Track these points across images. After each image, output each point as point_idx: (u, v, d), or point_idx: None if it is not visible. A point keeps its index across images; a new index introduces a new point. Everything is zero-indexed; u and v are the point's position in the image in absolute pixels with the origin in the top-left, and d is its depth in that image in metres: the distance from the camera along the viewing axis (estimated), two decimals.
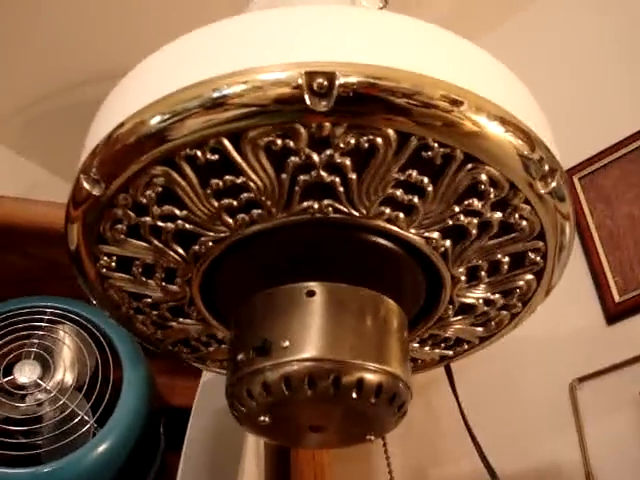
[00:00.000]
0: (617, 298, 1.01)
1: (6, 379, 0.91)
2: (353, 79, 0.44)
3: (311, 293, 0.51)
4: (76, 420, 0.91)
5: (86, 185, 0.50)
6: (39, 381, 0.92)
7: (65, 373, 0.94)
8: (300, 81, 0.43)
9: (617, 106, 1.13)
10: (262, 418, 0.51)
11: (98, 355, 0.94)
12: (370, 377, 0.49)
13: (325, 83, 0.43)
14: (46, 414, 0.91)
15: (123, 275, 0.57)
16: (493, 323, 0.63)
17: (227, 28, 0.50)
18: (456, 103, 0.46)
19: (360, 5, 0.70)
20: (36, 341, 0.94)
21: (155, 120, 0.47)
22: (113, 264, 0.56)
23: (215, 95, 0.45)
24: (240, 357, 0.51)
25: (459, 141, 0.47)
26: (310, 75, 0.43)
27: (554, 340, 1.04)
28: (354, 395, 0.49)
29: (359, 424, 0.54)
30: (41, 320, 0.95)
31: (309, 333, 0.50)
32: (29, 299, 0.98)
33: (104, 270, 0.57)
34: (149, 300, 0.59)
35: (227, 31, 0.50)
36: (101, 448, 0.91)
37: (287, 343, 0.49)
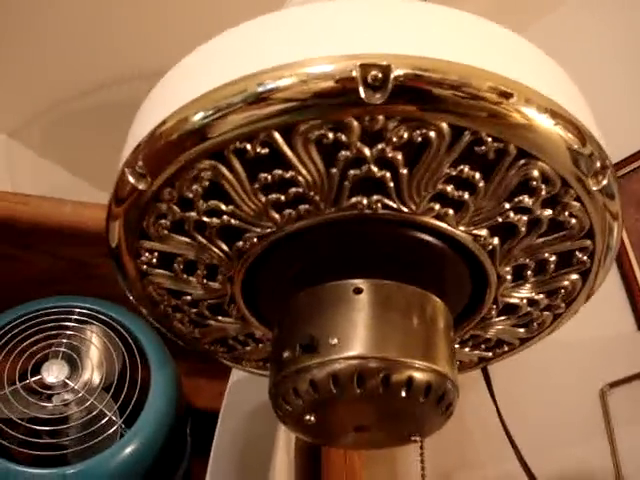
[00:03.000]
0: None
1: (34, 378, 0.91)
2: (405, 71, 0.43)
3: (358, 290, 0.51)
4: (103, 421, 0.90)
5: (131, 179, 0.50)
6: (67, 381, 0.91)
7: (93, 373, 0.94)
8: (354, 73, 0.43)
9: None
10: (308, 417, 0.50)
11: (126, 356, 0.94)
12: (419, 376, 0.48)
13: (380, 75, 0.43)
14: (73, 414, 0.91)
15: (164, 272, 0.56)
16: (535, 324, 0.62)
17: (275, 21, 0.49)
18: (505, 95, 0.45)
19: None
20: (64, 341, 0.93)
21: (198, 116, 0.46)
22: (154, 260, 0.55)
23: (260, 89, 0.44)
24: (286, 355, 0.50)
25: (510, 135, 0.46)
26: (365, 67, 0.43)
27: (585, 346, 1.03)
28: (403, 394, 0.48)
29: (405, 424, 0.53)
30: (69, 320, 0.95)
31: (357, 330, 0.49)
32: (57, 299, 0.97)
33: (145, 267, 0.56)
34: (189, 298, 0.58)
35: (275, 24, 0.49)
36: (128, 449, 0.90)
37: (335, 340, 0.48)
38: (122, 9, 1.30)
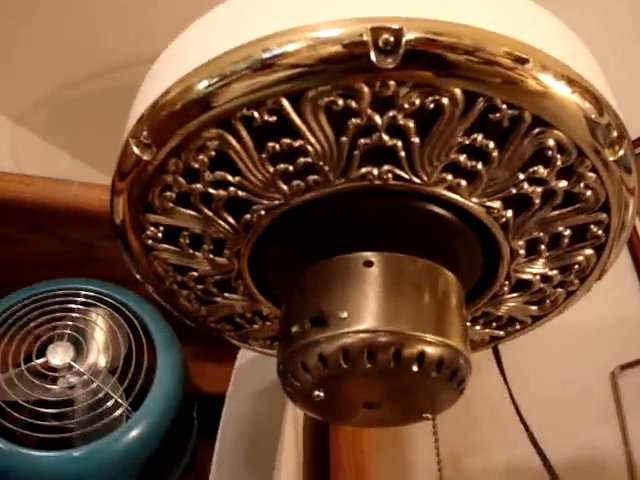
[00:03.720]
0: None
1: (39, 361, 0.90)
2: (420, 35, 0.42)
3: (369, 263, 0.49)
4: (109, 403, 0.89)
5: (136, 150, 0.48)
6: (72, 363, 0.91)
7: (98, 356, 0.93)
8: (365, 37, 0.41)
9: None
10: (317, 393, 0.49)
11: (132, 338, 0.93)
12: (432, 350, 0.47)
13: (392, 39, 0.41)
14: (78, 397, 0.90)
15: (170, 247, 0.55)
16: (548, 301, 0.61)
17: None
18: (520, 60, 0.43)
19: None
20: (70, 323, 0.93)
21: (202, 85, 0.45)
22: (160, 235, 0.54)
23: (272, 54, 0.43)
24: (295, 329, 0.49)
25: (525, 102, 0.44)
26: (376, 31, 0.41)
27: (595, 328, 1.02)
28: (415, 368, 0.47)
29: (416, 401, 0.52)
30: (75, 302, 0.94)
31: (367, 304, 0.48)
32: (62, 281, 0.96)
33: (150, 241, 0.55)
34: (195, 274, 0.57)
35: None
36: (134, 432, 0.89)
37: (345, 314, 0.47)
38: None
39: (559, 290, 0.60)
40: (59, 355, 0.91)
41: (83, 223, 0.94)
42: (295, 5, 0.46)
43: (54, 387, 0.90)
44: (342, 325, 0.47)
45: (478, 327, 0.64)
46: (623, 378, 0.98)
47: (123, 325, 0.94)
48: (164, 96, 0.47)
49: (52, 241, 1.00)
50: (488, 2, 0.47)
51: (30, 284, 0.96)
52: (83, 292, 0.95)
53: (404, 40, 0.41)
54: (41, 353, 0.91)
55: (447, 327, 0.49)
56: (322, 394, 0.49)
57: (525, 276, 0.57)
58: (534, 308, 0.61)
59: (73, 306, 0.93)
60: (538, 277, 0.57)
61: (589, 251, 0.56)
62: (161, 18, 1.28)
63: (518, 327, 0.65)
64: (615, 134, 0.48)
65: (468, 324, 0.63)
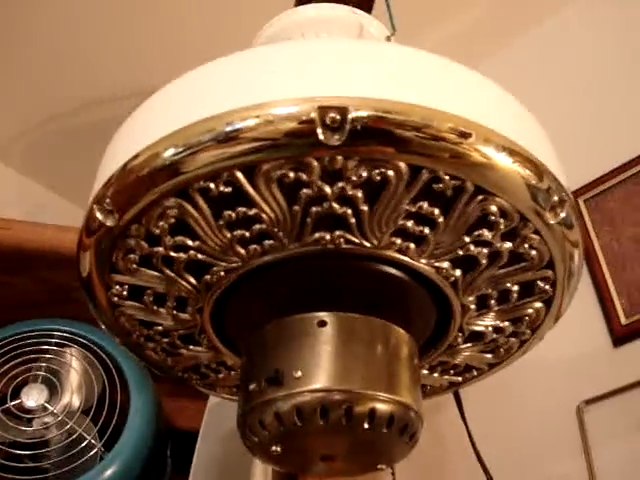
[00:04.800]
0: (623, 320, 1.01)
1: (13, 402, 0.91)
2: (364, 113, 0.44)
3: (322, 323, 0.52)
4: (83, 444, 0.91)
5: (99, 215, 0.51)
6: (46, 405, 0.92)
7: (72, 396, 0.94)
8: (313, 115, 0.44)
9: (621, 129, 1.14)
10: (274, 448, 0.51)
11: (105, 379, 0.95)
12: (382, 407, 0.49)
13: (338, 117, 0.44)
14: (53, 438, 0.91)
15: (134, 304, 0.57)
16: (502, 350, 0.63)
17: (240, 61, 0.50)
18: (464, 135, 0.46)
19: (368, 35, 0.71)
20: (44, 364, 0.94)
21: (169, 153, 0.47)
22: (125, 293, 0.56)
23: (228, 129, 0.45)
24: (252, 387, 0.51)
25: (469, 173, 0.47)
26: (323, 109, 0.44)
27: (561, 363, 1.05)
28: (366, 425, 0.49)
29: (370, 454, 0.54)
30: (49, 343, 0.96)
31: (321, 363, 0.50)
32: (37, 322, 0.98)
33: (115, 298, 0.57)
34: (160, 328, 0.59)
35: (240, 65, 0.50)
36: (108, 472, 0.91)
37: (299, 373, 0.49)
38: (103, 31, 1.31)
39: (512, 339, 0.62)
40: (33, 396, 0.93)
41: (58, 265, 0.96)
42: (252, 83, 0.48)
43: (29, 428, 0.92)
44: (296, 384, 0.49)
45: (436, 374, 0.66)
46: (588, 413, 1.00)
47: (97, 365, 0.95)
48: (132, 160, 0.49)
49: (28, 282, 1.01)
50: (432, 79, 0.49)
51: (4, 325, 0.97)
52: (57, 333, 0.96)
53: (350, 118, 0.44)
54: (15, 394, 0.92)
55: (398, 384, 0.51)
56: (279, 449, 0.51)
57: (477, 328, 0.59)
58: (489, 356, 0.64)
59: (47, 347, 0.95)
60: (490, 329, 0.60)
61: (538, 304, 0.58)
62: (137, 57, 1.30)
63: (475, 374, 0.67)
64: (556, 197, 0.50)
65: (426, 372, 0.65)
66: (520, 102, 0.55)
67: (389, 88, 0.46)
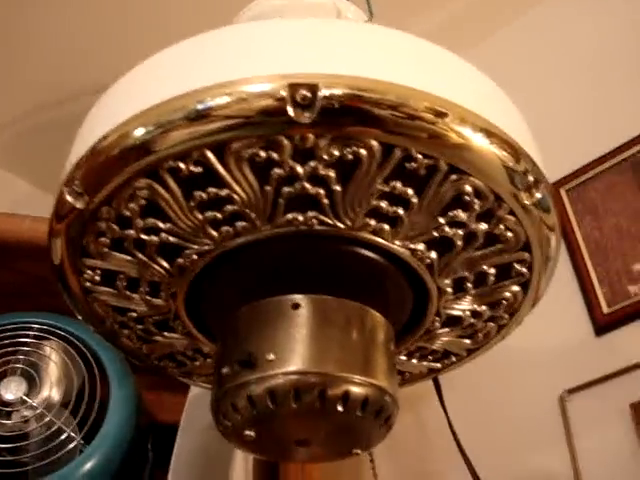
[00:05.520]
0: (605, 309, 1.01)
1: None
2: (338, 91, 0.44)
3: (296, 306, 0.51)
4: (62, 437, 0.90)
5: (69, 198, 0.50)
6: (25, 398, 0.91)
7: (51, 389, 0.93)
8: (283, 93, 0.43)
9: (602, 119, 1.14)
10: (247, 432, 0.50)
11: (85, 371, 0.94)
12: (356, 390, 0.49)
13: (308, 95, 0.43)
14: (32, 431, 0.91)
15: (107, 289, 0.56)
16: (480, 335, 0.63)
17: (212, 40, 0.50)
18: (440, 115, 0.46)
19: (346, 20, 0.70)
20: (22, 357, 0.93)
21: (139, 132, 0.46)
22: (97, 278, 0.55)
23: (199, 107, 0.45)
24: (225, 370, 0.50)
25: (443, 152, 0.47)
26: (293, 87, 0.43)
27: (543, 352, 1.04)
28: (340, 408, 0.48)
29: (345, 438, 0.53)
30: (27, 336, 0.95)
31: (294, 346, 0.49)
32: (15, 315, 0.97)
33: (88, 284, 0.56)
34: (134, 314, 0.58)
35: (212, 43, 0.50)
36: (88, 465, 0.90)
37: (272, 356, 0.48)
38: (86, 23, 1.30)
39: (490, 324, 0.61)
40: (12, 389, 0.92)
41: (36, 256, 0.95)
42: (223, 60, 0.48)
43: (8, 422, 0.91)
44: (269, 367, 0.48)
45: (414, 360, 0.66)
46: (571, 402, 1.00)
47: (76, 358, 0.94)
48: (102, 141, 0.48)
49: (5, 274, 1.00)
50: (408, 58, 0.49)
51: None
52: (35, 325, 0.95)
53: (320, 95, 0.43)
54: None
55: (373, 367, 0.51)
56: (253, 434, 0.50)
57: (455, 312, 0.59)
58: (467, 342, 0.63)
59: (25, 340, 0.94)
60: (468, 313, 0.59)
61: (515, 287, 0.58)
62: (121, 49, 1.29)
63: (454, 359, 0.66)
64: (531, 179, 0.50)
65: (404, 358, 0.65)
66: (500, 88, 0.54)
67: (363, 66, 0.46)
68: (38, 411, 0.91)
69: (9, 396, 0.91)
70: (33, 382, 0.93)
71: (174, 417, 0.97)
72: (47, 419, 0.91)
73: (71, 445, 0.90)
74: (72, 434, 0.90)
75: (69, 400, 0.92)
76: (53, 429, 0.90)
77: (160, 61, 0.51)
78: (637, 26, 1.18)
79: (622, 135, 1.09)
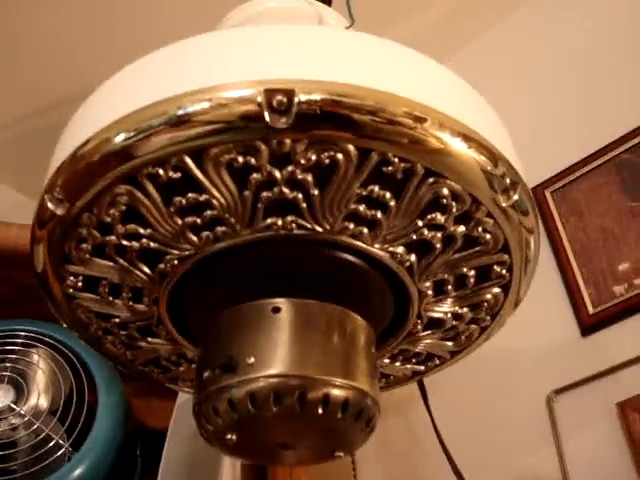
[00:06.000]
0: (591, 310, 1.02)
1: None
2: (316, 96, 0.44)
3: (276, 309, 0.51)
4: (51, 444, 0.90)
5: (50, 205, 0.50)
6: (13, 405, 0.91)
7: (39, 397, 0.93)
8: (259, 98, 0.44)
9: (586, 121, 1.15)
10: (229, 436, 0.51)
11: (73, 379, 0.94)
12: (336, 392, 0.49)
13: (284, 100, 0.44)
14: (20, 439, 0.91)
15: (90, 295, 0.57)
16: (463, 337, 0.63)
17: (192, 46, 0.50)
18: (419, 120, 0.46)
19: (327, 24, 0.71)
20: (9, 365, 0.93)
21: (120, 138, 0.47)
22: (79, 284, 0.56)
23: (180, 112, 0.45)
24: (206, 375, 0.50)
25: (423, 157, 0.47)
26: (269, 92, 0.44)
27: (529, 353, 1.05)
28: (320, 411, 0.48)
29: (327, 441, 0.53)
30: (15, 344, 0.95)
31: (274, 349, 0.50)
32: (3, 322, 0.97)
33: (70, 290, 0.56)
34: (117, 320, 0.59)
35: (192, 49, 0.50)
36: (76, 472, 0.90)
37: (252, 360, 0.49)
38: (72, 30, 1.30)
39: (472, 326, 0.62)
40: None
41: (23, 264, 0.95)
42: (203, 66, 0.48)
43: None
44: (249, 370, 0.49)
45: (398, 363, 0.66)
46: (558, 402, 1.01)
47: (64, 365, 0.95)
48: (82, 147, 0.49)
49: None
50: (386, 64, 0.49)
51: None
52: (22, 333, 0.95)
53: (296, 100, 0.44)
54: None
55: (354, 370, 0.51)
56: (235, 437, 0.51)
57: (436, 315, 0.59)
58: (450, 344, 0.64)
59: (13, 347, 0.94)
60: (449, 315, 0.59)
61: (496, 289, 0.58)
62: (107, 54, 1.29)
63: (438, 362, 0.67)
64: (508, 181, 0.50)
65: (387, 361, 0.65)
66: (482, 95, 0.55)
67: (341, 72, 0.46)
68: (26, 419, 0.91)
69: None
70: (21, 390, 0.93)
71: (162, 423, 0.97)
72: (35, 426, 0.91)
73: (59, 452, 0.90)
74: (60, 441, 0.90)
75: (57, 407, 0.93)
76: (41, 436, 0.90)
77: (141, 67, 0.52)
78: (625, 27, 1.18)
79: (606, 136, 1.10)
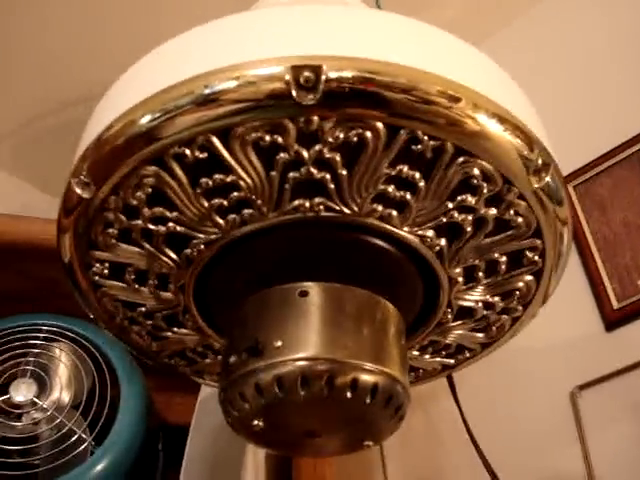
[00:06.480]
0: (615, 305, 1.00)
1: (2, 398, 0.90)
2: (347, 73, 0.43)
3: (304, 293, 0.51)
4: (73, 439, 0.90)
5: (77, 189, 0.50)
6: (35, 400, 0.91)
7: (62, 391, 0.93)
8: (287, 76, 0.43)
9: (610, 114, 1.13)
10: (256, 422, 0.50)
11: (95, 373, 0.94)
12: (365, 377, 0.48)
13: (312, 76, 0.43)
14: (43, 433, 0.90)
15: (116, 283, 0.56)
16: (494, 328, 0.61)
17: (219, 26, 0.49)
18: (454, 99, 0.45)
19: None
20: (32, 359, 0.93)
21: (145, 119, 0.46)
22: (105, 271, 0.55)
23: (207, 91, 0.44)
24: (233, 360, 0.50)
25: (456, 138, 0.46)
26: (296, 69, 0.43)
27: (554, 349, 1.03)
28: (348, 395, 0.48)
29: (355, 429, 0.52)
30: (37, 338, 0.95)
31: (302, 333, 0.49)
32: (25, 316, 0.97)
33: (97, 278, 0.56)
34: (143, 309, 0.58)
35: (217, 29, 0.49)
36: (99, 467, 0.90)
37: (280, 343, 0.48)
38: (89, 28, 1.31)
39: (504, 317, 0.60)
40: (22, 391, 0.91)
41: (46, 259, 0.95)
42: (229, 45, 0.47)
43: (18, 424, 0.90)
44: (276, 354, 0.48)
45: (427, 356, 0.65)
46: (582, 398, 0.99)
47: (86, 359, 0.94)
48: (107, 130, 0.48)
49: (15, 277, 1.00)
50: (418, 42, 0.48)
51: None
52: (45, 327, 0.95)
53: (324, 77, 0.43)
54: (4, 390, 0.91)
55: (383, 355, 0.50)
56: (261, 423, 0.50)
57: (467, 303, 0.58)
58: (481, 335, 0.62)
59: (35, 342, 0.94)
60: (480, 304, 0.58)
61: (528, 277, 0.57)
62: (125, 53, 1.29)
63: (468, 355, 0.65)
64: (540, 162, 0.49)
65: (417, 353, 0.64)
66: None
67: (370, 48, 0.45)
68: (49, 413, 0.90)
69: (19, 398, 0.91)
70: (43, 384, 0.92)
71: (184, 418, 0.97)
72: (58, 421, 0.90)
73: (82, 447, 0.90)
74: (83, 435, 0.90)
75: (79, 402, 0.92)
76: (64, 431, 0.90)
77: (165, 50, 0.51)
78: None
79: (629, 130, 1.08)
